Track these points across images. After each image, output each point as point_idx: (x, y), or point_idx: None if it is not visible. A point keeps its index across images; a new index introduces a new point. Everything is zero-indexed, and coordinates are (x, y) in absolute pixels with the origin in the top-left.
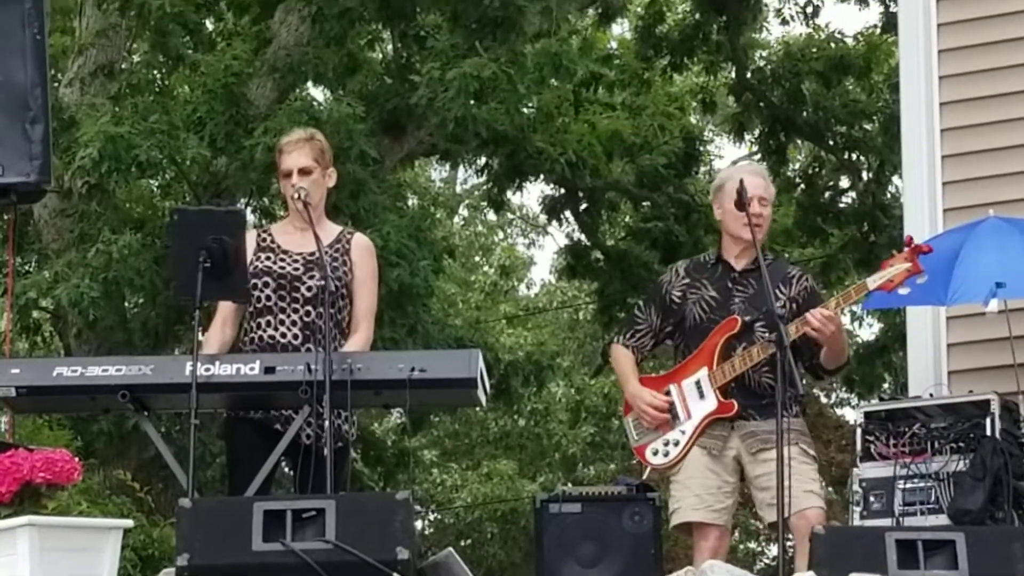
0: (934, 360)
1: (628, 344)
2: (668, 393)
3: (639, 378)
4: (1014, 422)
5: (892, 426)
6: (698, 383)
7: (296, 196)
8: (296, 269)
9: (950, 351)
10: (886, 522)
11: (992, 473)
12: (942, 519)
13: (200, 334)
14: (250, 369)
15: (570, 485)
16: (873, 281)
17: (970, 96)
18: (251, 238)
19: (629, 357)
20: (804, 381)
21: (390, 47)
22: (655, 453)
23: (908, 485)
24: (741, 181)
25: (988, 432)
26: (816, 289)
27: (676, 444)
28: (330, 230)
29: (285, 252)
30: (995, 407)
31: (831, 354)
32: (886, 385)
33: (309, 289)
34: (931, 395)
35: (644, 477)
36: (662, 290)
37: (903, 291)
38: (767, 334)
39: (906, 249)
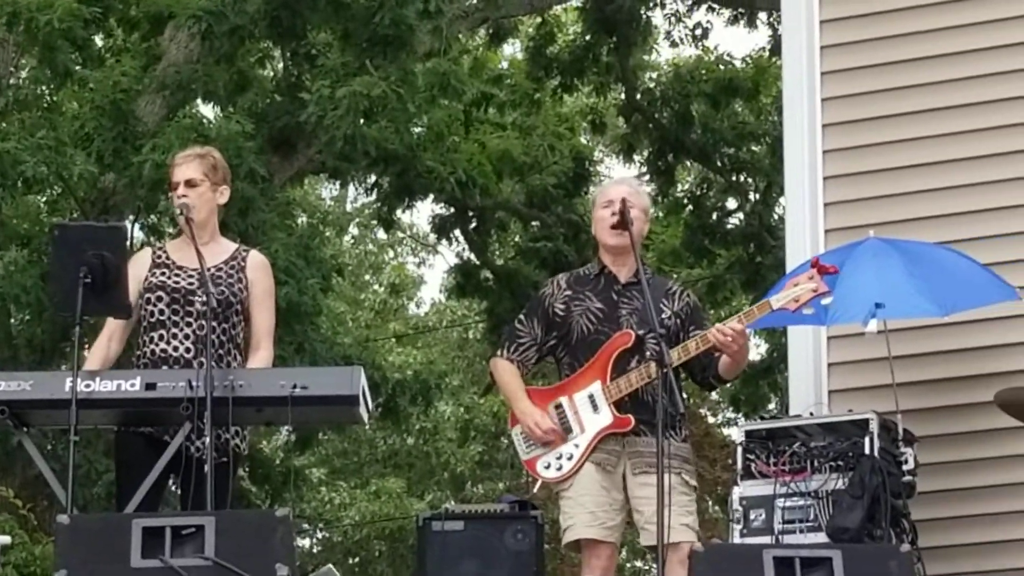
0: (815, 379)
1: (512, 358)
2: (559, 406)
3: (527, 390)
4: (892, 441)
5: (772, 445)
6: (591, 397)
7: (179, 212)
8: (190, 284)
9: (831, 370)
10: (765, 539)
11: (870, 491)
12: (821, 537)
13: (85, 350)
14: (131, 385)
15: (453, 503)
16: (777, 300)
17: (852, 118)
18: (146, 255)
19: (515, 371)
20: (687, 399)
21: (280, 65)
22: (547, 467)
23: (788, 503)
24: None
25: (867, 451)
26: (699, 304)
27: (570, 458)
28: (225, 247)
29: (180, 268)
30: (874, 426)
31: (735, 365)
32: (772, 405)
33: (202, 304)
34: (811, 414)
35: (534, 491)
36: (544, 302)
37: (807, 311)
38: (659, 348)
39: (812, 269)
